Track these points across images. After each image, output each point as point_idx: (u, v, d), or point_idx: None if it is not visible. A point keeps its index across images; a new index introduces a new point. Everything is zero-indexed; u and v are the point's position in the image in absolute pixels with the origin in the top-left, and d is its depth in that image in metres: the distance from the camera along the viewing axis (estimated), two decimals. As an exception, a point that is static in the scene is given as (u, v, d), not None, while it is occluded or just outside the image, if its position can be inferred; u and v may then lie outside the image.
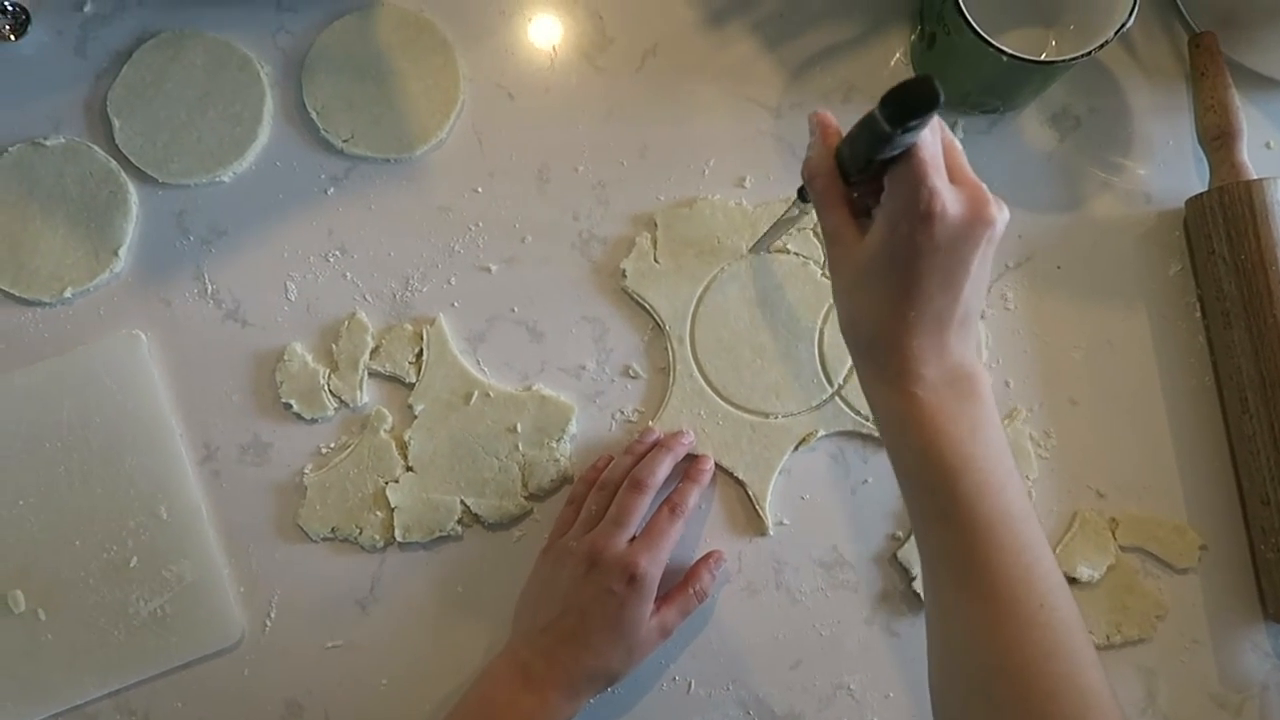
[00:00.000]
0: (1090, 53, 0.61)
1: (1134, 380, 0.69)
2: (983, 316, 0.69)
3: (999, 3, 0.66)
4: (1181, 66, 0.72)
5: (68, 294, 0.69)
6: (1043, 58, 0.63)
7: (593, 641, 0.60)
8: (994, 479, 0.50)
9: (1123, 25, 0.61)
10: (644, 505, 0.63)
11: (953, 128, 0.71)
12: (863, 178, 0.49)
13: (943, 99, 0.42)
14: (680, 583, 0.65)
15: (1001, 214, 0.48)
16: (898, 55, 0.72)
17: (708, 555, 0.66)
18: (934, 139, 0.47)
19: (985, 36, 0.61)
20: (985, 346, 0.69)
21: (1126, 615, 0.66)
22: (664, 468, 0.64)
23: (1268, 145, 0.71)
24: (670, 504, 0.64)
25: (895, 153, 0.46)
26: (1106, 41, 0.61)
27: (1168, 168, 0.71)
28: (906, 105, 0.42)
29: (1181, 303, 0.70)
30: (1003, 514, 0.49)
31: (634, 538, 0.62)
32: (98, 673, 0.66)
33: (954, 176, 0.48)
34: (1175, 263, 0.70)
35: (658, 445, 0.65)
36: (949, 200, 0.46)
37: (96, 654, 0.66)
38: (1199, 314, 0.70)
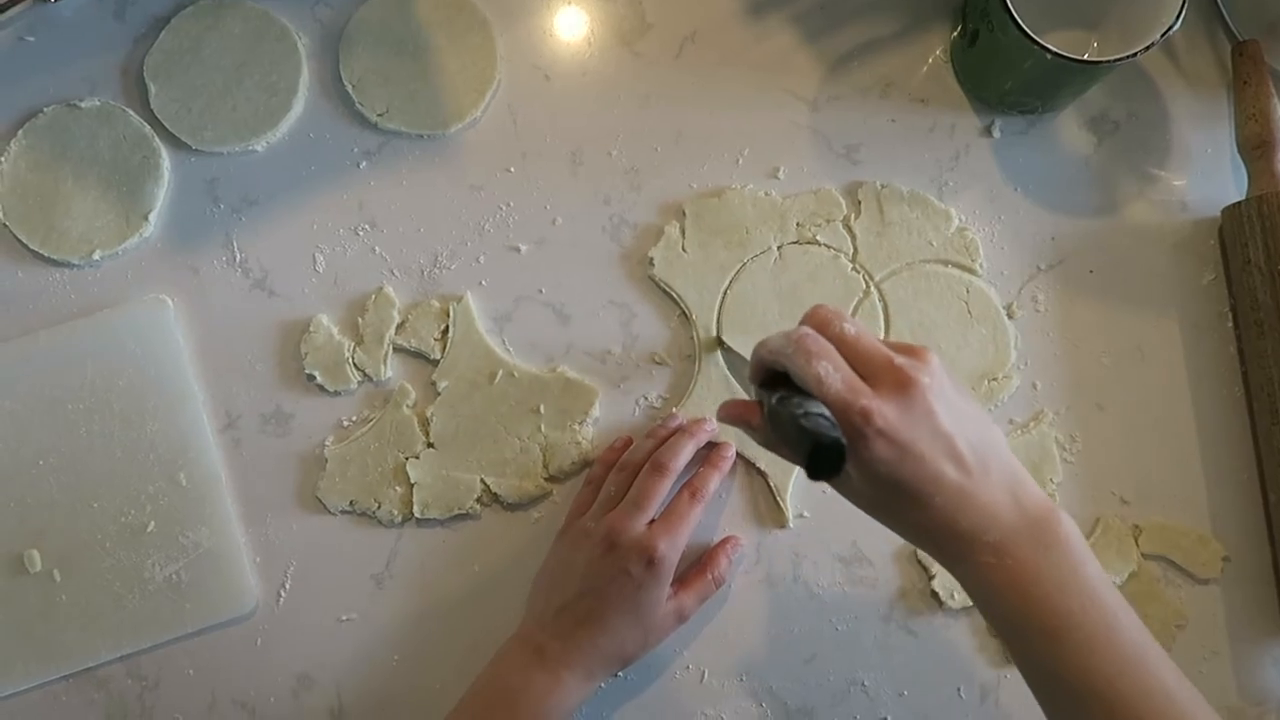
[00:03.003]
0: (1136, 54, 0.60)
1: (1163, 388, 0.68)
2: (1011, 317, 0.69)
3: (1042, 3, 0.66)
4: (1223, 74, 0.72)
5: (96, 256, 0.69)
6: (1089, 58, 0.62)
7: (609, 623, 0.60)
8: (1099, 630, 0.47)
9: (1169, 28, 0.60)
10: (664, 489, 0.62)
11: (989, 128, 0.71)
12: None
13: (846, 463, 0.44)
14: (698, 568, 0.64)
15: (925, 372, 0.47)
16: (938, 52, 0.72)
17: (725, 540, 0.66)
18: (832, 371, 0.47)
19: (1030, 34, 0.60)
20: (1014, 348, 0.68)
21: (1146, 624, 0.65)
22: (686, 452, 0.64)
23: (1307, 157, 0.71)
24: (691, 488, 0.63)
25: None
26: (1153, 44, 0.60)
27: (1205, 176, 0.71)
28: (827, 473, 0.44)
29: (1214, 312, 0.69)
30: (1119, 663, 0.47)
31: (652, 521, 0.62)
32: (110, 636, 0.65)
33: (868, 371, 0.48)
34: (1209, 272, 0.70)
35: (680, 430, 0.65)
36: (877, 409, 0.46)
37: (110, 617, 0.65)
38: (1231, 324, 0.69)
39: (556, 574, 0.63)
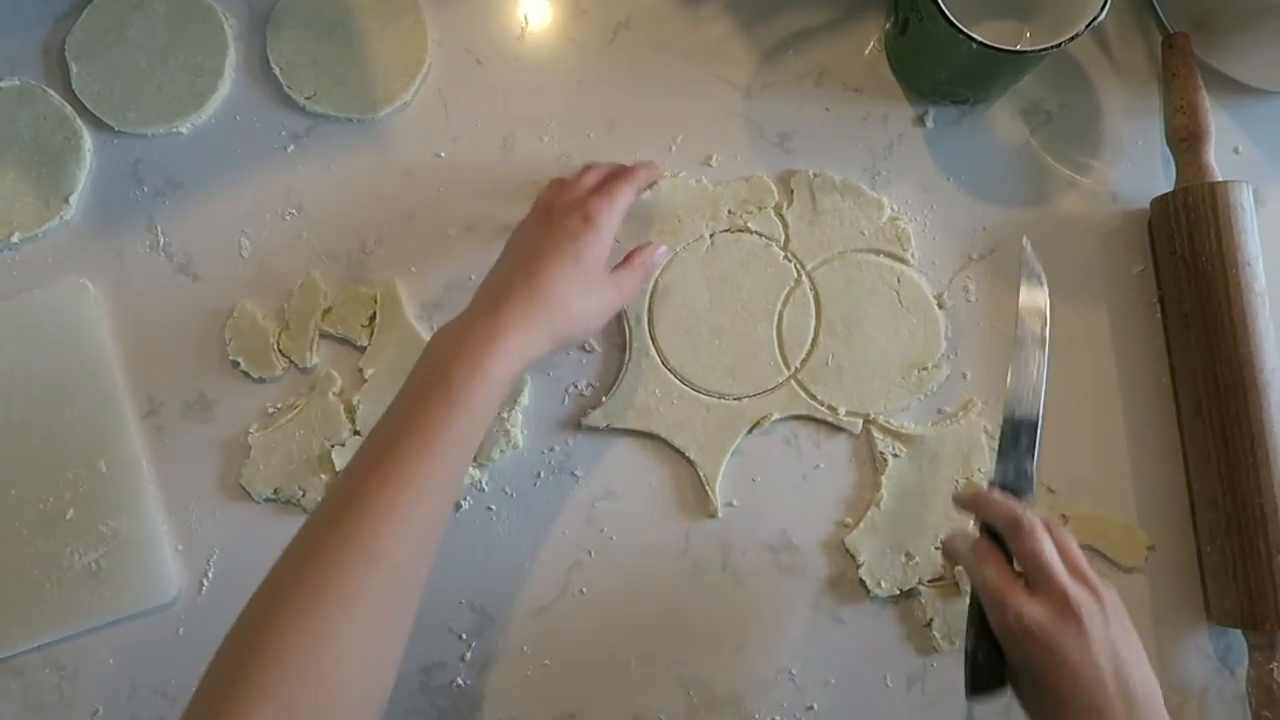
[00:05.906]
0: (1060, 45, 0.60)
1: (1091, 378, 0.69)
2: (942, 306, 0.69)
3: (975, -8, 0.66)
4: (1154, 67, 0.72)
5: (15, 239, 0.67)
6: (1015, 48, 0.62)
7: (548, 273, 0.58)
8: None
9: (1094, 19, 0.60)
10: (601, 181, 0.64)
11: (922, 117, 0.71)
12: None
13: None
14: (625, 260, 0.65)
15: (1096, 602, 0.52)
16: (873, 41, 0.72)
17: (644, 245, 0.67)
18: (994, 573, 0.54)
19: (956, 23, 0.60)
20: (944, 337, 0.68)
21: (1071, 612, 0.66)
22: (626, 187, 0.63)
23: (1236, 150, 0.71)
24: (625, 168, 0.65)
25: None
26: (1077, 34, 0.60)
27: (1136, 167, 0.71)
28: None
29: (1143, 303, 0.70)
30: None
31: None
32: (27, 624, 0.64)
33: (1036, 580, 0.53)
34: (1138, 263, 0.70)
35: (621, 170, 0.65)
36: (1026, 608, 0.52)
37: (27, 606, 0.64)
38: (1159, 315, 0.69)
39: (497, 263, 0.61)
